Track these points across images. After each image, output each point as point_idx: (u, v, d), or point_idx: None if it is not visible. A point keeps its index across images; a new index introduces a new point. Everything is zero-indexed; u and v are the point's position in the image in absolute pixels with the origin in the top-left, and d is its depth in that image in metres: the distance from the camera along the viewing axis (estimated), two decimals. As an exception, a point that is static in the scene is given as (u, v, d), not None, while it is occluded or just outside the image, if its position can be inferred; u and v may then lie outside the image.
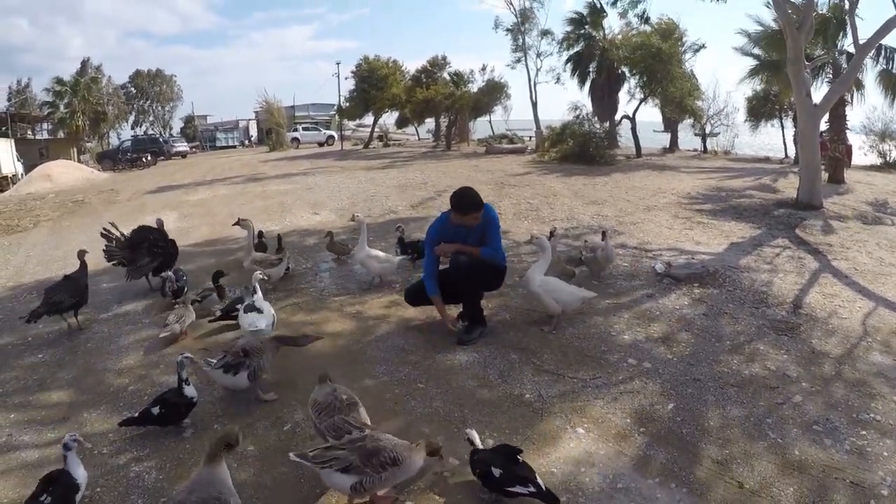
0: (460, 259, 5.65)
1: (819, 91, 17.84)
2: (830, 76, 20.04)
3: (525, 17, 38.19)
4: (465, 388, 4.79)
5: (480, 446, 3.57)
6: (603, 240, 7.62)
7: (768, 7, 18.51)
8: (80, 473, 3.37)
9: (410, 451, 3.35)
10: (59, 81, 48.46)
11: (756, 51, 22.13)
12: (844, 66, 18.61)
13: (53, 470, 3.39)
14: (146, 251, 7.86)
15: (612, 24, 32.42)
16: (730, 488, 3.53)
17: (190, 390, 4.24)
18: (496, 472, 3.31)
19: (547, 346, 5.59)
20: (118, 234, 7.97)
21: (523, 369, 5.12)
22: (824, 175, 15.12)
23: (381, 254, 7.54)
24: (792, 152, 24.32)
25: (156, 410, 4.18)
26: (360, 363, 5.33)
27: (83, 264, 6.88)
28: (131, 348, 6.06)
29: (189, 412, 4.31)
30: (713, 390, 4.70)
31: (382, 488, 3.38)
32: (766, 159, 26.70)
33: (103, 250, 7.86)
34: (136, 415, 4.27)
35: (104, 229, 7.97)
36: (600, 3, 31.36)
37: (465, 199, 5.63)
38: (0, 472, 4.01)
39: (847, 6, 14.36)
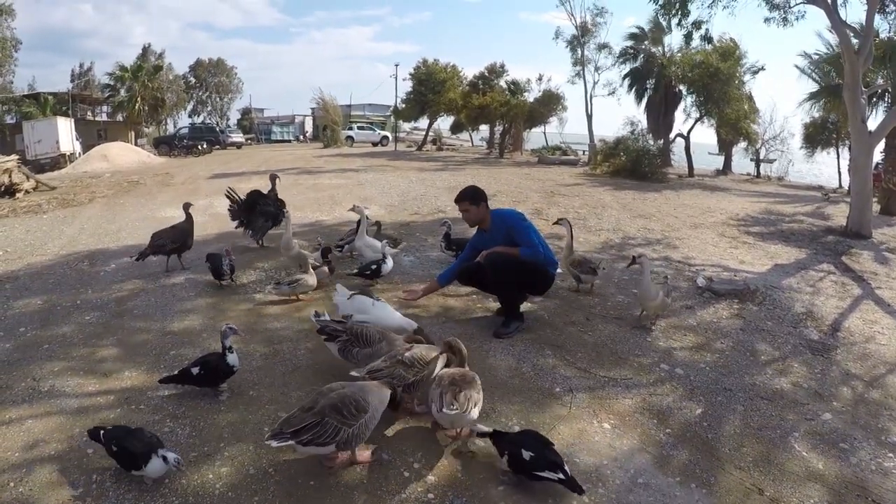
0: (491, 257, 5.81)
1: (877, 120, 17.53)
2: (888, 105, 19.69)
3: (585, 29, 38.09)
4: (498, 378, 4.88)
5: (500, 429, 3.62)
6: (632, 264, 6.31)
7: (831, 32, 18.29)
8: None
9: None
10: (122, 67, 49.42)
11: (816, 75, 21.89)
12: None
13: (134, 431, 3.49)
14: (259, 213, 9.00)
15: (672, 41, 32.04)
16: (750, 494, 3.57)
17: (232, 358, 4.39)
18: (526, 454, 3.35)
19: (582, 345, 5.67)
20: (237, 197, 9.14)
21: (556, 365, 5.21)
22: (876, 206, 14.88)
23: (377, 243, 7.74)
24: (846, 182, 23.91)
25: (195, 371, 4.33)
26: (396, 348, 5.47)
27: (188, 216, 8.10)
28: (176, 316, 6.29)
29: (227, 378, 4.47)
30: (743, 401, 4.74)
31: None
32: (820, 188, 26.31)
33: (228, 209, 9.37)
34: (176, 373, 4.44)
35: (228, 189, 9.39)
36: (668, 21, 31.22)
37: (462, 191, 6.10)
38: (40, 415, 4.23)
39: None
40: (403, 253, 8.63)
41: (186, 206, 8.25)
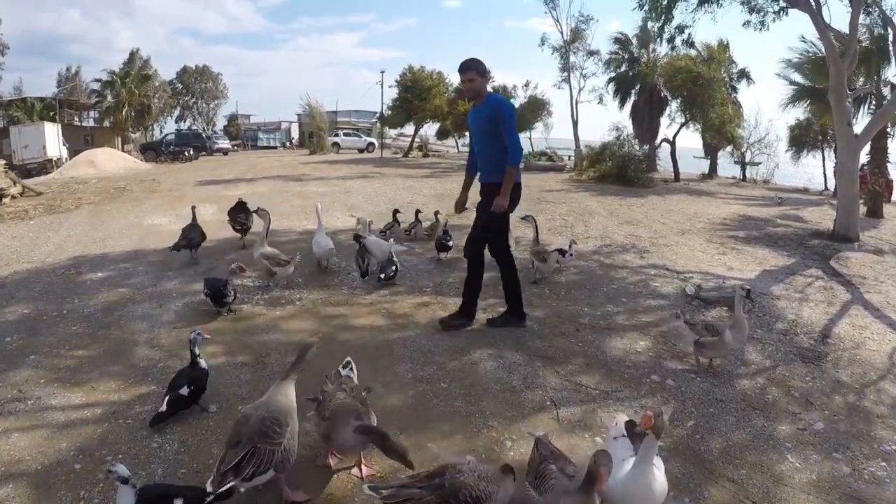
0: (468, 248, 6.31)
1: (862, 123, 17.64)
2: (874, 107, 19.80)
3: (575, 36, 38.21)
4: (488, 391, 4.85)
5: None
6: (741, 296, 5.34)
7: (803, 41, 18.61)
8: None
9: (499, 481, 3.07)
10: (111, 73, 49.26)
11: (797, 77, 21.98)
12: (887, 97, 18.42)
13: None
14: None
15: (659, 46, 32.25)
16: (744, 506, 3.55)
17: (203, 363, 4.42)
18: None
19: (572, 356, 5.65)
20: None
21: (546, 377, 5.18)
22: (862, 209, 14.97)
23: (327, 241, 8.19)
24: (832, 184, 24.07)
25: (185, 391, 4.22)
26: (385, 359, 5.42)
27: (194, 216, 9.09)
28: (163, 327, 6.23)
29: (205, 381, 4.44)
30: (735, 411, 4.72)
31: None
32: (805, 190, 26.49)
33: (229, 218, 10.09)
34: (164, 408, 4.19)
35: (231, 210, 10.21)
36: (656, 27, 31.30)
37: (467, 60, 6.04)
38: (26, 428, 4.17)
39: (891, 37, 14.15)
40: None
41: (193, 209, 9.23)
